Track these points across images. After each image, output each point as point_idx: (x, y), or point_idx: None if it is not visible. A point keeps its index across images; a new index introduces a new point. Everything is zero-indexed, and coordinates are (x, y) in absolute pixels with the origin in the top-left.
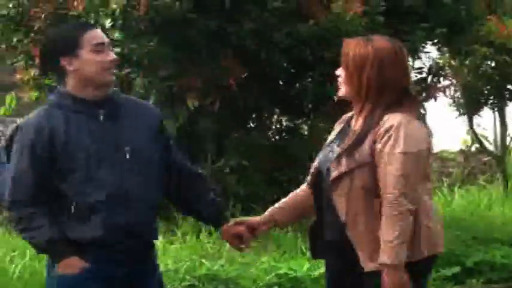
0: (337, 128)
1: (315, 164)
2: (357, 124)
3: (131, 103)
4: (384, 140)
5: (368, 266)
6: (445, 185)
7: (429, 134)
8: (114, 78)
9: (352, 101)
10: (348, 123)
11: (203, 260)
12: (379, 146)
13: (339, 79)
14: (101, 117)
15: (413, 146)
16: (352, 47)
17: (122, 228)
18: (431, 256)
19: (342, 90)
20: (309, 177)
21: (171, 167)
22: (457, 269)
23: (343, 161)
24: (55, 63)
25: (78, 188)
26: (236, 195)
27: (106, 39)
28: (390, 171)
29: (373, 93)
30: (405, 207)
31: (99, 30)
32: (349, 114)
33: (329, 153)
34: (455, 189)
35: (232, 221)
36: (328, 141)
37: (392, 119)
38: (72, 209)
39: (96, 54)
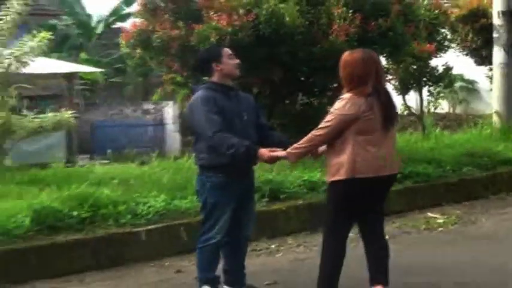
0: None
1: None
2: None
3: (241, 92)
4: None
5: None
6: None
7: (360, 108)
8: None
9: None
10: None
11: (264, 173)
12: None
13: None
14: (232, 96)
15: (342, 110)
16: (343, 56)
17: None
18: (351, 178)
19: None
20: None
21: (260, 125)
22: (398, 176)
23: None
24: (209, 65)
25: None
26: None
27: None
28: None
29: (347, 83)
30: (316, 136)
31: (228, 48)
32: None
33: None
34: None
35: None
36: None
37: (343, 96)
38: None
39: (230, 59)
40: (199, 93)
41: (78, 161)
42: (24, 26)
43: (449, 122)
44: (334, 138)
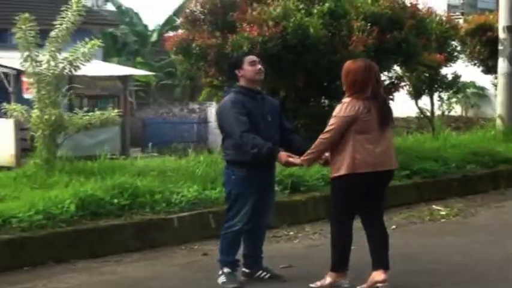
0: None
1: None
2: None
3: (267, 96)
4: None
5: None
6: (405, 132)
7: (359, 109)
8: (262, 78)
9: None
10: None
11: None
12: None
13: None
14: (258, 99)
15: (342, 113)
16: (346, 64)
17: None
18: (351, 174)
19: None
20: None
21: (282, 127)
22: (408, 172)
23: None
24: (233, 72)
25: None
26: (304, 138)
27: (256, 59)
28: (328, 123)
29: (348, 88)
30: (323, 139)
31: (253, 55)
32: None
33: None
34: (410, 135)
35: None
36: None
37: (344, 100)
38: None
39: (251, 66)
40: (229, 96)
41: (131, 153)
42: (86, 33)
43: (461, 124)
44: (338, 140)
